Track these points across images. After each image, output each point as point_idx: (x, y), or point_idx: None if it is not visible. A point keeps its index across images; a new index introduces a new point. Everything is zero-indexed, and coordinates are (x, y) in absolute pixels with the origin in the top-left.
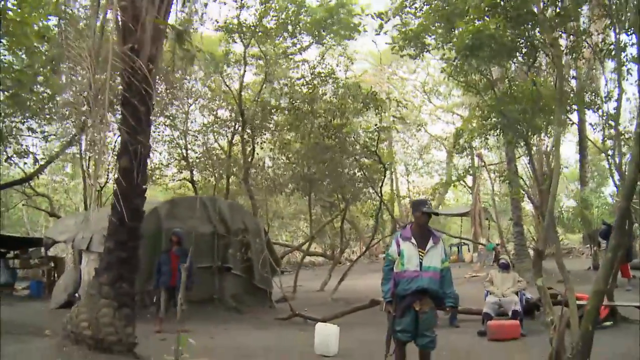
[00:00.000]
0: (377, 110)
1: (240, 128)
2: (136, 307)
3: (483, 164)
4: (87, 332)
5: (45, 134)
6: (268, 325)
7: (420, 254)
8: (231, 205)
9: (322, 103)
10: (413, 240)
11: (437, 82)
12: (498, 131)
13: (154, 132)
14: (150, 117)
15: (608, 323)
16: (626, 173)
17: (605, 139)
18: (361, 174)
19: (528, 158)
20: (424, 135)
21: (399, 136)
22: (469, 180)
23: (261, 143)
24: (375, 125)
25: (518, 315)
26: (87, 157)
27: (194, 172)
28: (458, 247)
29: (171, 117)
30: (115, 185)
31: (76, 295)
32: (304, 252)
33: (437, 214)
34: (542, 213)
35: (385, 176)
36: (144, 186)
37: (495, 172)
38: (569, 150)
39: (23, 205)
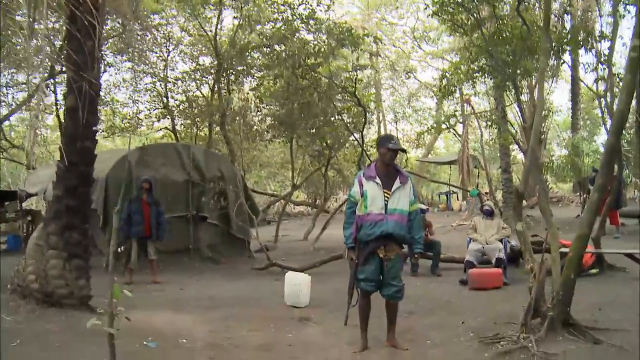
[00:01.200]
0: (353, 48)
1: (216, 72)
2: (107, 258)
3: (472, 109)
4: (35, 285)
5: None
6: (244, 275)
7: (386, 195)
8: (206, 152)
9: (295, 41)
10: (377, 180)
11: (427, 27)
12: (486, 74)
13: (133, 79)
14: (99, 53)
15: (594, 271)
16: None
17: (598, 79)
18: (339, 118)
19: (517, 103)
20: (414, 82)
21: (388, 83)
22: (459, 128)
23: (233, 83)
24: (353, 64)
25: (502, 263)
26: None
27: (176, 121)
28: (447, 195)
29: (150, 64)
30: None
31: None
32: (285, 200)
33: (404, 151)
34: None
35: (366, 120)
36: (94, 127)
37: (483, 118)
38: (561, 97)
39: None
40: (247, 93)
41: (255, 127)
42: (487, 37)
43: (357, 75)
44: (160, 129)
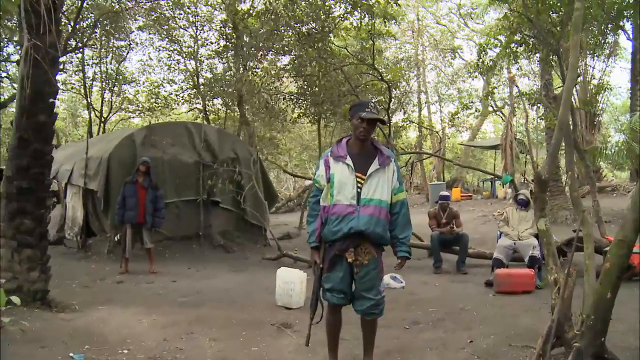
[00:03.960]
0: (364, 12)
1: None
2: (109, 244)
3: (516, 88)
4: None
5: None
6: (252, 266)
7: (359, 180)
8: (220, 132)
9: (302, 5)
10: (348, 161)
11: (474, 3)
12: (529, 47)
13: (161, 57)
14: (59, 15)
15: None
16: None
17: None
18: (353, 93)
19: (562, 79)
20: (462, 62)
21: (433, 63)
22: (507, 111)
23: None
24: (369, 31)
25: (536, 263)
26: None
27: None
28: (491, 182)
29: (180, 43)
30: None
31: (67, 233)
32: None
33: (383, 122)
34: (577, 144)
35: (391, 97)
36: (50, 99)
37: (528, 98)
38: (620, 78)
39: None
40: (262, 67)
41: (271, 105)
42: (529, 3)
43: (374, 45)
44: (190, 110)
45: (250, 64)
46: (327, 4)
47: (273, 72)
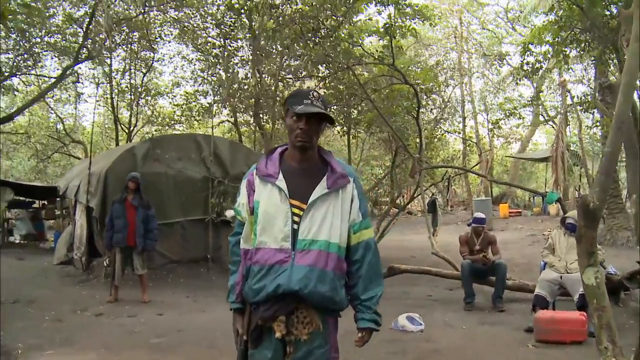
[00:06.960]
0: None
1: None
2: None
3: (567, 93)
4: None
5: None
6: None
7: (296, 212)
8: (232, 145)
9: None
10: (280, 181)
11: (522, 6)
12: (581, 45)
13: (193, 70)
14: None
15: None
16: None
17: None
18: (364, 96)
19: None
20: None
21: (481, 71)
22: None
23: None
24: (385, 25)
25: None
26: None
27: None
28: (543, 197)
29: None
30: None
31: (74, 253)
32: None
33: (332, 121)
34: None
35: (419, 103)
36: None
37: (582, 103)
38: None
39: (56, 153)
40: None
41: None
42: None
43: (391, 41)
44: (222, 122)
45: (263, 67)
46: None
47: (281, 75)
